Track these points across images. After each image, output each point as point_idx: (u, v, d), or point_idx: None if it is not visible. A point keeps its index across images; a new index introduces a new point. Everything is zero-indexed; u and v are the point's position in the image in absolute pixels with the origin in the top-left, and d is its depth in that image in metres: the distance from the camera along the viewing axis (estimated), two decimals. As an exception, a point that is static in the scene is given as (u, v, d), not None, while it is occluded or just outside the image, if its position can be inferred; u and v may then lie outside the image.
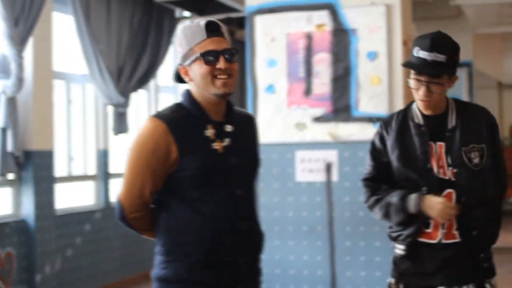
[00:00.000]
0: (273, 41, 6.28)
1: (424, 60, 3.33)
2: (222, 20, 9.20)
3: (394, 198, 3.47)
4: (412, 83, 3.37)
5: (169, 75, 9.74)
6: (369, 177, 3.60)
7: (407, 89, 6.10)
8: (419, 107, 3.49)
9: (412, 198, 3.41)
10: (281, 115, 6.26)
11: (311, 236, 6.22)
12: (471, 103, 3.66)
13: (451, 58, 3.34)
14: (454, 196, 3.40)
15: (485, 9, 10.10)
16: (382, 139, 3.55)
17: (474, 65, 11.94)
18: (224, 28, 3.03)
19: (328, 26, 6.11)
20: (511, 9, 10.48)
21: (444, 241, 3.43)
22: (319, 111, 6.16)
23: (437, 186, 3.41)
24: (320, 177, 6.17)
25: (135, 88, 8.59)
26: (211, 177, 2.96)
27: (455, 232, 3.43)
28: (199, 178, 2.94)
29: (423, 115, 3.47)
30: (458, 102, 3.55)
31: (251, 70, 6.35)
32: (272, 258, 6.28)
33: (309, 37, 6.17)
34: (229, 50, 2.97)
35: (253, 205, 3.12)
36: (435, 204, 3.37)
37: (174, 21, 9.16)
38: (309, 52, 6.18)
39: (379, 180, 3.57)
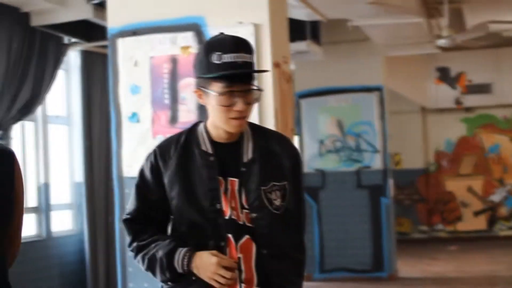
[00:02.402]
0: (136, 66, 5.78)
1: (234, 63, 2.68)
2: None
3: (160, 251, 2.76)
4: (222, 99, 2.69)
5: (59, 104, 9.20)
6: (130, 218, 2.88)
7: (281, 114, 5.67)
8: (208, 130, 2.82)
9: (180, 254, 2.73)
10: (145, 146, 5.73)
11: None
12: (269, 129, 3.02)
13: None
14: (254, 246, 2.75)
15: (393, 31, 9.74)
16: (155, 170, 2.83)
17: (391, 89, 11.64)
18: None
19: (194, 48, 5.64)
20: (423, 30, 10.11)
21: None
22: (185, 141, 5.66)
23: (227, 232, 2.74)
24: (188, 212, 5.65)
25: (15, 120, 8.01)
26: None
27: None
28: None
29: (212, 142, 2.80)
30: (254, 127, 2.89)
31: (114, 97, 5.84)
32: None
33: (174, 60, 5.69)
34: None
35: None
36: (207, 265, 2.69)
37: (61, 47, 8.63)
38: (174, 76, 5.70)
39: (143, 222, 2.87)
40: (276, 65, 5.64)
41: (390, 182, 10.71)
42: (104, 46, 8.77)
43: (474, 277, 10.91)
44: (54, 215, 8.79)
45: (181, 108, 5.70)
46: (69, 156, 9.22)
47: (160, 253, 2.76)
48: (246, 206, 2.77)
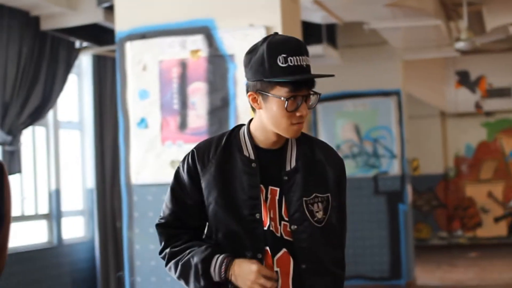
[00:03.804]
0: (144, 70, 5.63)
1: (300, 67, 2.51)
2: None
3: (195, 257, 2.58)
4: (287, 104, 2.51)
5: (72, 109, 9.07)
6: (164, 222, 2.70)
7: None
8: (252, 135, 2.64)
9: (217, 261, 2.56)
10: (154, 152, 5.59)
11: None
12: (314, 137, 2.82)
13: None
14: (291, 260, 2.58)
15: (411, 33, 9.51)
16: (193, 173, 2.65)
17: (409, 93, 11.41)
18: None
19: (204, 52, 5.49)
20: (442, 33, 9.89)
21: None
22: (195, 147, 5.50)
23: (265, 244, 2.58)
24: (198, 221, 5.49)
25: (26, 125, 7.88)
26: None
27: None
28: None
29: (255, 147, 2.63)
30: (300, 135, 2.69)
31: (122, 103, 5.69)
32: (148, 314, 5.58)
33: (183, 64, 5.53)
34: None
35: None
36: (246, 273, 2.52)
37: (72, 51, 8.49)
38: (183, 81, 5.54)
39: (178, 227, 2.69)
40: (288, 69, 5.47)
41: (408, 188, 10.51)
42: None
43: (494, 284, 10.70)
44: (66, 222, 8.66)
45: (190, 113, 5.54)
46: (81, 161, 9.09)
47: (195, 259, 2.59)
48: (285, 218, 2.61)
